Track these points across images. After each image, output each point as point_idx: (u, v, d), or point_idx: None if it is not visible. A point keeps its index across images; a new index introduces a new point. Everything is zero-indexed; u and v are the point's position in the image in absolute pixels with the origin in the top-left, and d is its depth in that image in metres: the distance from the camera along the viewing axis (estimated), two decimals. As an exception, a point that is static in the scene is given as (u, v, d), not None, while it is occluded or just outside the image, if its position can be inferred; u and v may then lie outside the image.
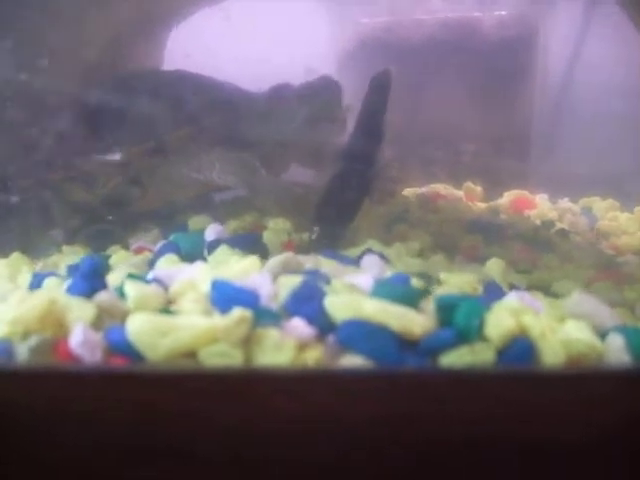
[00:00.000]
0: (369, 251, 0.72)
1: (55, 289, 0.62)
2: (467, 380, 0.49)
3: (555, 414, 0.49)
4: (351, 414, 0.49)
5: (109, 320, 0.54)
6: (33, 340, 0.52)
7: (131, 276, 0.59)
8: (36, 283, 0.63)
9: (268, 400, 0.49)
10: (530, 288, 0.73)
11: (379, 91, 0.81)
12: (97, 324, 0.54)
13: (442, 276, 0.69)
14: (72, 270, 0.68)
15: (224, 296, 0.53)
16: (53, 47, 0.89)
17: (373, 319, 0.51)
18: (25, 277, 0.68)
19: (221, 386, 0.50)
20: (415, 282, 0.59)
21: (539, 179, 1.16)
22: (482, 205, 1.07)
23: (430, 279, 0.68)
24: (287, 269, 0.61)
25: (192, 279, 0.58)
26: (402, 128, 1.23)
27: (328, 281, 0.57)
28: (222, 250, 0.67)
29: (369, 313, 0.51)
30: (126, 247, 0.80)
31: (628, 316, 0.65)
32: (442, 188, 1.10)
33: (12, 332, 0.52)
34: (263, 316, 0.52)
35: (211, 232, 0.75)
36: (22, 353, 0.52)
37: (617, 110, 1.12)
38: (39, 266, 0.73)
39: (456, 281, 0.67)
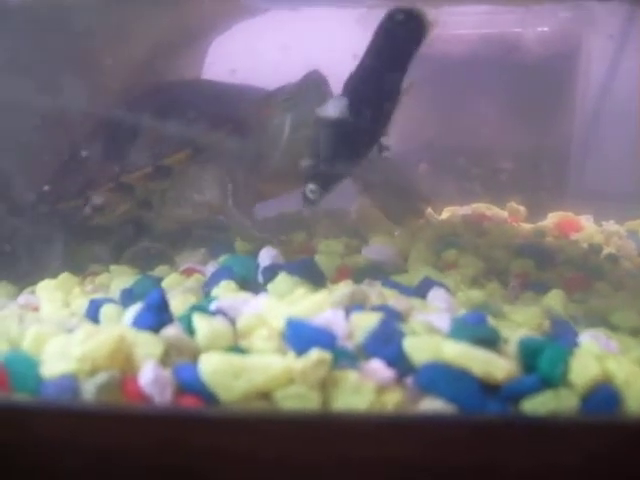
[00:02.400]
0: (428, 280, 0.70)
1: (114, 318, 0.61)
2: (550, 426, 0.48)
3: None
4: (432, 461, 0.48)
5: (176, 356, 0.52)
6: (101, 377, 0.50)
7: (197, 308, 0.57)
8: (93, 311, 0.61)
9: (346, 446, 0.48)
10: (588, 319, 0.71)
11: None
12: (164, 360, 0.52)
13: (505, 309, 0.67)
14: (126, 294, 0.67)
15: (300, 336, 0.51)
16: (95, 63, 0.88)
17: (455, 363, 0.49)
18: (79, 302, 0.66)
19: (297, 430, 0.48)
20: (490, 321, 0.57)
21: (581, 199, 1.14)
22: (526, 226, 1.05)
23: (493, 312, 0.66)
24: (354, 302, 0.59)
25: (260, 313, 0.56)
26: (441, 143, 1.22)
27: (402, 318, 0.55)
28: (282, 278, 0.66)
29: (451, 356, 0.49)
30: (173, 266, 0.79)
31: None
32: (485, 208, 1.09)
33: (79, 369, 0.50)
34: (341, 357, 0.50)
35: (265, 256, 0.73)
36: (89, 390, 0.50)
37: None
38: (89, 288, 0.71)
39: (521, 316, 0.66)
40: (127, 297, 0.66)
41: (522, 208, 1.10)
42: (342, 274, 0.74)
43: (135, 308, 0.58)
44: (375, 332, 0.51)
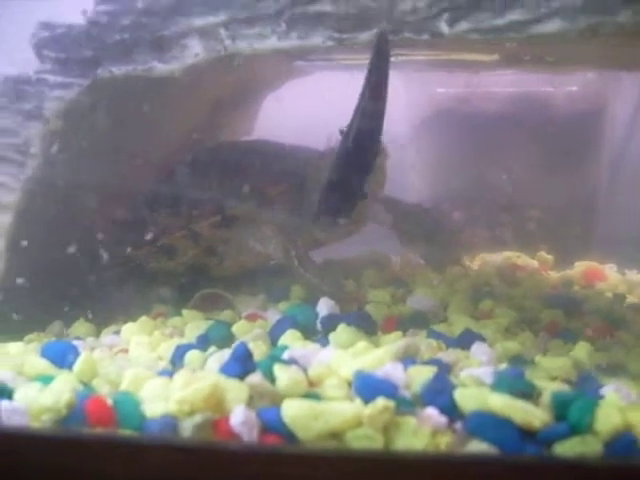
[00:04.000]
0: (468, 332, 0.79)
1: (197, 363, 0.70)
2: (578, 467, 0.56)
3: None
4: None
5: (259, 400, 0.61)
6: (197, 418, 0.59)
7: (274, 358, 0.66)
8: (179, 356, 0.71)
9: (405, 480, 0.56)
10: (610, 368, 0.79)
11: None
12: (249, 404, 0.61)
13: (537, 359, 0.76)
14: (201, 339, 0.76)
15: (366, 386, 0.60)
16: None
17: (499, 412, 0.58)
18: (163, 346, 0.76)
19: (364, 466, 0.57)
20: (527, 374, 0.65)
21: (606, 248, 1.22)
22: (555, 275, 1.13)
23: (526, 362, 0.75)
24: (408, 354, 0.68)
25: (329, 364, 0.65)
26: (474, 194, 1.31)
27: (450, 370, 0.64)
28: (341, 329, 0.75)
29: (495, 406, 0.58)
30: (234, 310, 0.88)
31: None
32: (516, 257, 1.17)
33: (179, 410, 0.60)
34: (401, 405, 0.59)
35: (323, 306, 0.83)
36: (186, 429, 0.59)
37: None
38: (168, 331, 0.80)
39: (550, 365, 0.74)
40: (203, 341, 0.76)
41: (550, 257, 1.18)
42: (390, 323, 0.83)
43: (218, 356, 0.68)
44: (430, 384, 0.60)
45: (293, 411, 0.58)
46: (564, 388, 0.65)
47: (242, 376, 0.63)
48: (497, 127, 1.26)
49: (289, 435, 0.58)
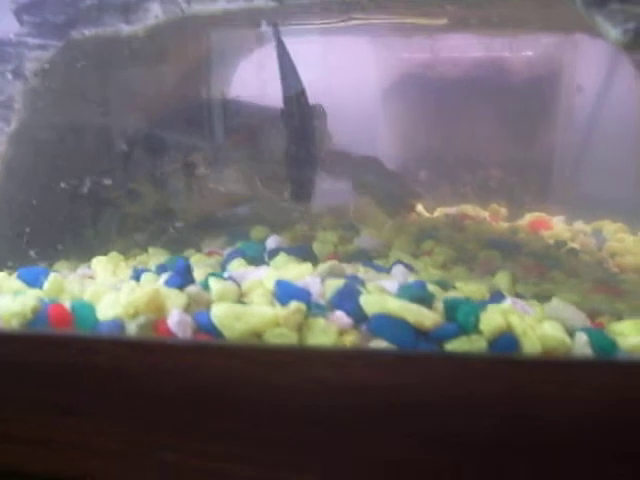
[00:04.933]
0: (399, 262, 0.88)
1: (152, 282, 0.81)
2: (464, 362, 0.66)
3: (527, 392, 0.65)
4: (378, 383, 0.66)
5: (196, 307, 0.72)
6: (141, 319, 0.70)
7: (213, 274, 0.76)
8: (135, 276, 0.81)
9: (314, 371, 0.66)
10: (534, 298, 0.88)
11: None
12: (187, 310, 0.71)
13: (457, 285, 0.85)
14: (160, 268, 0.86)
15: (285, 293, 0.70)
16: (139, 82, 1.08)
17: (396, 314, 0.67)
18: (124, 271, 0.86)
19: (279, 359, 0.67)
20: (431, 288, 0.75)
21: (559, 204, 1.31)
22: (504, 225, 1.22)
23: (447, 286, 0.84)
24: (333, 274, 0.78)
25: (260, 279, 0.75)
26: (438, 154, 1.40)
27: (363, 284, 0.74)
28: (281, 257, 0.85)
29: (393, 309, 0.67)
30: (199, 250, 0.98)
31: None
32: (470, 209, 1.26)
33: (125, 313, 0.70)
34: (313, 308, 0.69)
35: (272, 242, 0.93)
36: (131, 329, 0.70)
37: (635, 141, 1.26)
38: (134, 262, 0.91)
39: (468, 289, 0.83)
40: (161, 270, 0.86)
41: (503, 210, 1.27)
42: (332, 258, 0.93)
43: (166, 275, 0.78)
44: (340, 291, 0.70)
45: (220, 313, 0.68)
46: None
47: (182, 287, 0.73)
48: (460, 91, 1.34)
49: (217, 334, 0.68)
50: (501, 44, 1.31)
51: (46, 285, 0.79)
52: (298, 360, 0.66)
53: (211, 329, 0.68)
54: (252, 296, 0.73)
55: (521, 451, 0.63)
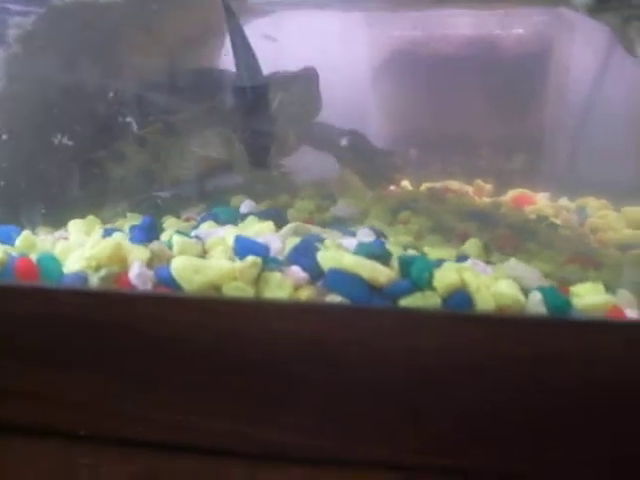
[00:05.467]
0: (370, 228, 0.89)
1: (121, 239, 0.82)
2: (416, 318, 0.66)
3: (475, 347, 0.65)
4: (330, 337, 0.67)
5: (158, 262, 0.73)
6: (102, 272, 0.71)
7: (178, 232, 0.78)
8: (106, 235, 0.82)
9: (269, 324, 0.67)
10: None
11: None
12: (150, 264, 0.73)
13: (426, 250, 0.86)
14: (133, 229, 0.88)
15: (243, 247, 0.71)
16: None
17: (350, 269, 0.68)
18: (98, 232, 0.88)
19: (236, 311, 0.68)
20: (394, 249, 0.75)
21: (546, 181, 1.30)
22: (487, 200, 1.22)
23: (416, 251, 0.85)
24: (297, 234, 0.79)
25: (223, 237, 0.77)
26: (427, 131, 1.40)
27: (322, 242, 0.75)
28: (250, 219, 0.86)
29: (347, 264, 0.68)
30: (178, 217, 1.00)
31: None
32: (455, 185, 1.26)
33: (88, 266, 0.72)
34: (270, 263, 0.70)
35: (245, 206, 0.94)
36: (94, 281, 0.71)
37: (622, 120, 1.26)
38: (109, 226, 0.92)
39: (436, 254, 0.84)
40: (133, 231, 0.87)
41: (488, 186, 1.27)
42: (308, 223, 0.94)
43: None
44: (297, 246, 0.71)
45: (179, 266, 0.69)
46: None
47: (146, 242, 0.74)
48: (451, 69, 1.35)
49: (177, 287, 0.70)
50: (491, 20, 1.31)
51: (18, 242, 0.81)
52: (252, 312, 0.67)
53: (170, 282, 0.70)
54: (214, 252, 0.74)
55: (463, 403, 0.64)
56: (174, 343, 0.69)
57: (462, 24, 1.34)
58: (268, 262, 0.69)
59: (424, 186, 1.29)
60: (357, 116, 1.36)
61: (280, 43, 1.30)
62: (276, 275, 0.69)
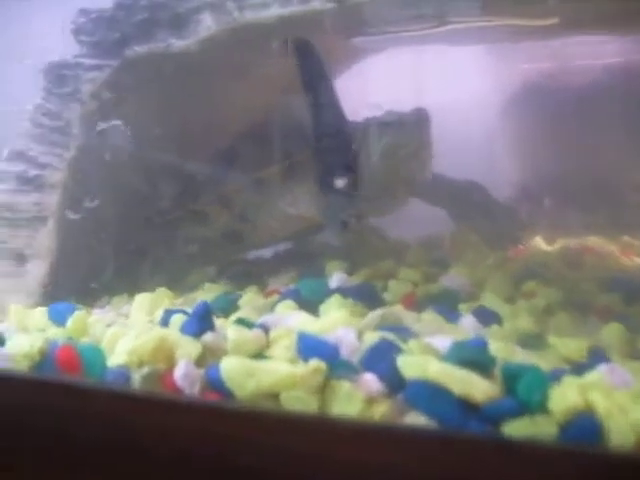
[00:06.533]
0: (481, 309, 0.73)
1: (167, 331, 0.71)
2: (524, 451, 0.50)
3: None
4: (408, 471, 0.52)
5: (212, 359, 0.61)
6: (145, 370, 0.61)
7: (239, 321, 0.66)
8: (165, 319, 0.72)
9: (331, 450, 0.53)
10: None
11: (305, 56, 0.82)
12: (201, 361, 0.61)
13: (552, 339, 0.68)
14: (200, 308, 0.77)
15: (307, 347, 0.58)
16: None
17: (437, 381, 0.53)
18: (160, 312, 0.77)
19: (290, 428, 0.55)
20: (495, 348, 0.59)
21: None
22: (638, 261, 1.01)
23: (539, 341, 0.68)
24: (385, 324, 0.65)
25: (290, 327, 0.64)
26: (565, 176, 1.20)
27: (406, 340, 0.60)
28: (334, 299, 0.73)
29: (433, 375, 0.53)
30: (264, 286, 0.88)
31: None
32: (597, 242, 1.06)
33: (130, 361, 0.62)
34: (340, 368, 0.56)
35: (335, 280, 0.80)
36: (136, 380, 0.61)
37: None
38: (179, 302, 0.82)
39: (564, 346, 0.66)
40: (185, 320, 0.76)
41: (638, 243, 1.05)
42: (407, 301, 0.79)
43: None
44: (373, 348, 0.57)
45: (230, 368, 0.57)
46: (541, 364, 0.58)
47: (199, 334, 0.63)
48: (590, 103, 1.15)
49: (227, 392, 0.58)
50: (630, 44, 1.10)
51: (69, 323, 0.72)
52: (312, 432, 0.54)
53: (221, 387, 0.58)
54: (276, 349, 0.61)
55: None
56: (216, 460, 0.56)
57: (603, 51, 1.15)
58: (336, 367, 0.56)
59: (559, 243, 1.10)
60: (479, 161, 1.19)
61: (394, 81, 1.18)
62: (345, 385, 0.55)
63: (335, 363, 0.56)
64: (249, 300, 0.80)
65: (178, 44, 0.81)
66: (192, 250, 0.94)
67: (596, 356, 0.64)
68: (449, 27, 0.95)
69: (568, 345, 0.67)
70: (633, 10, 0.92)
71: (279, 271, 0.93)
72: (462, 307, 0.78)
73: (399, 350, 0.57)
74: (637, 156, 1.14)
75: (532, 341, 0.68)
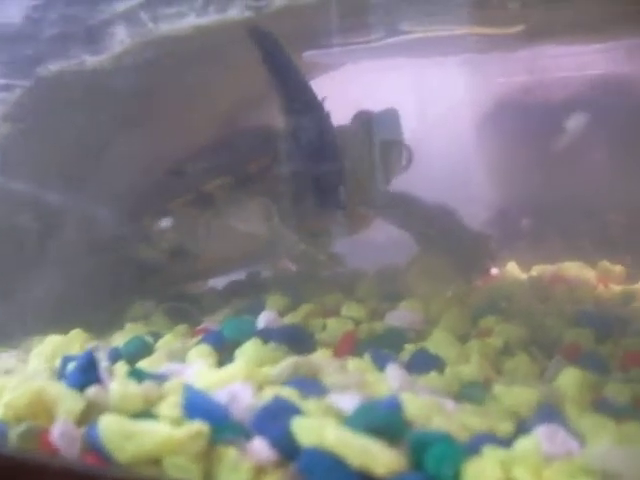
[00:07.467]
0: (421, 353, 0.65)
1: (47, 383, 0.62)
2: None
3: None
4: None
5: (96, 415, 0.54)
6: (22, 427, 0.53)
7: (133, 372, 0.58)
8: (63, 367, 0.64)
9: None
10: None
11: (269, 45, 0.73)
12: (85, 418, 0.54)
13: (497, 390, 0.59)
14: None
15: (192, 405, 0.50)
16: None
17: (334, 450, 0.45)
18: (58, 359, 0.69)
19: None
20: (415, 407, 0.50)
21: None
22: (617, 289, 0.92)
23: (481, 392, 0.59)
24: (297, 375, 0.57)
25: (186, 379, 0.56)
26: (543, 197, 1.12)
27: (307, 398, 0.51)
28: (251, 344, 0.64)
29: (330, 442, 0.45)
30: (198, 323, 0.80)
31: None
32: (574, 268, 0.97)
33: (6, 416, 0.54)
34: (226, 431, 0.48)
35: (262, 319, 0.72)
36: (12, 437, 0.53)
37: None
38: (91, 345, 0.74)
39: (511, 398, 0.58)
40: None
41: (618, 268, 0.96)
42: (344, 343, 0.70)
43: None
44: (265, 408, 0.49)
45: (107, 428, 0.50)
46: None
47: (83, 386, 0.55)
48: (566, 117, 1.07)
49: (106, 455, 0.50)
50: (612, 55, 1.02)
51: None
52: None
53: (100, 448, 0.50)
54: (163, 406, 0.53)
55: None
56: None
57: (583, 62, 1.07)
58: (223, 430, 0.48)
59: (535, 270, 1.01)
60: (453, 179, 1.11)
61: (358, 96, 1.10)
62: (231, 452, 0.47)
63: (222, 425, 0.48)
64: (166, 343, 0.72)
65: (91, 60, 0.74)
66: (131, 278, 0.86)
67: (545, 411, 0.55)
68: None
69: (516, 396, 0.58)
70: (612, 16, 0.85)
71: (219, 306, 0.85)
72: (408, 348, 0.70)
73: (296, 411, 0.49)
74: (621, 176, 1.06)
75: (474, 392, 0.59)
